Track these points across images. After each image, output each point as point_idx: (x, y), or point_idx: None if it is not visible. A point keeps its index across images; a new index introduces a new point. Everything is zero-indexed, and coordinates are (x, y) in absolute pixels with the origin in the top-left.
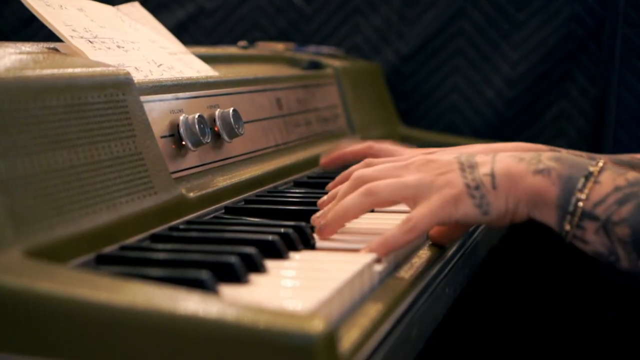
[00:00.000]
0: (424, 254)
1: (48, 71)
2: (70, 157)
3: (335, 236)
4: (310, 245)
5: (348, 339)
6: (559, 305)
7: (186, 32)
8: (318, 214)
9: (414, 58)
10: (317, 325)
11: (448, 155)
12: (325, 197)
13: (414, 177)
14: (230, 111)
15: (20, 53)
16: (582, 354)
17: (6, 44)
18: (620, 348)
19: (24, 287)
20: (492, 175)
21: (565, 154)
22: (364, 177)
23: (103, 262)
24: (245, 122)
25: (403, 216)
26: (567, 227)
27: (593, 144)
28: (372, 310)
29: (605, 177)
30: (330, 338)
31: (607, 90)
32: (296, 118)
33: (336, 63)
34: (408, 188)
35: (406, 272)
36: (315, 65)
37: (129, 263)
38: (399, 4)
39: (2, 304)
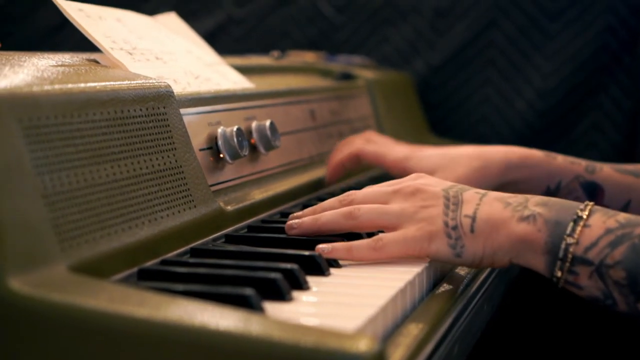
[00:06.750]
0: (462, 270)
1: (91, 84)
2: (114, 171)
3: None
4: None
5: (394, 359)
6: (591, 323)
7: (216, 40)
8: (299, 213)
9: (445, 68)
10: (366, 345)
11: (439, 186)
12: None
13: (397, 207)
14: (267, 123)
15: (62, 65)
16: None
17: (47, 55)
18: None
19: (70, 303)
20: (473, 219)
21: (554, 198)
22: (353, 200)
23: (145, 277)
24: (280, 134)
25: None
26: (559, 273)
27: (625, 156)
28: (416, 330)
29: (595, 219)
30: (380, 358)
31: None
32: (329, 129)
33: (368, 74)
34: (388, 215)
35: (446, 289)
36: (347, 76)
37: (172, 278)
38: (430, 15)
39: (48, 320)
